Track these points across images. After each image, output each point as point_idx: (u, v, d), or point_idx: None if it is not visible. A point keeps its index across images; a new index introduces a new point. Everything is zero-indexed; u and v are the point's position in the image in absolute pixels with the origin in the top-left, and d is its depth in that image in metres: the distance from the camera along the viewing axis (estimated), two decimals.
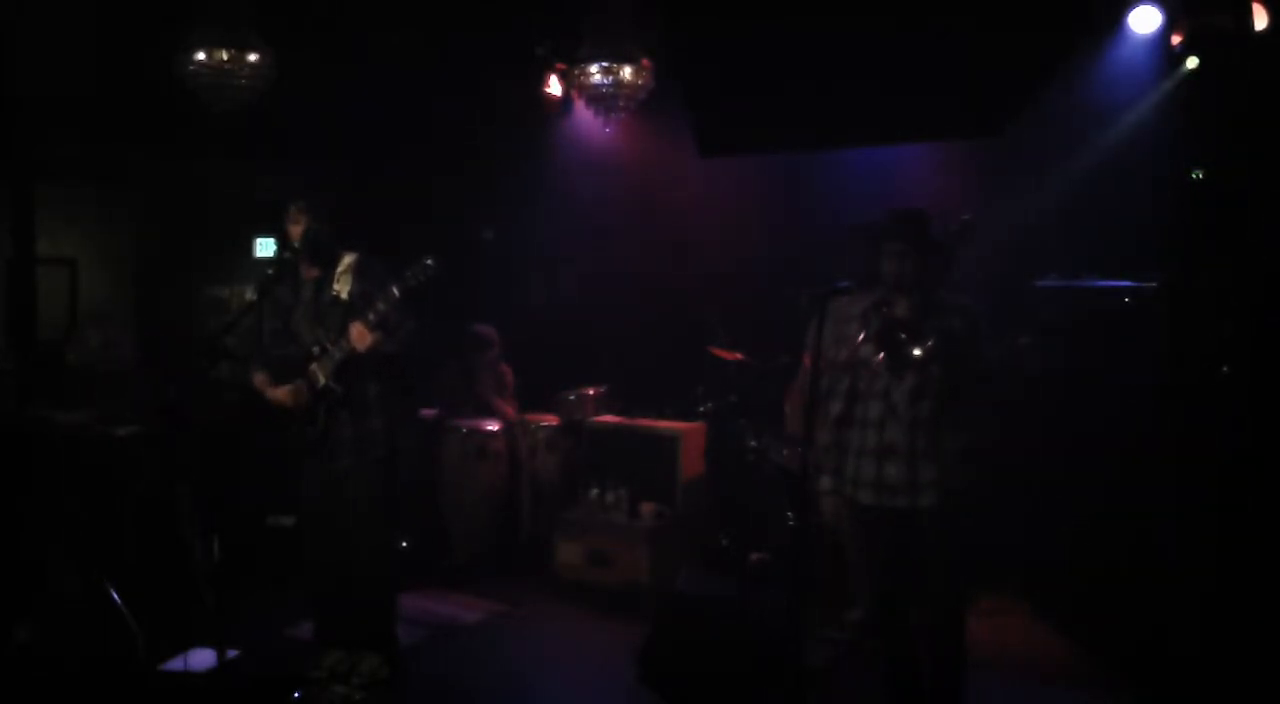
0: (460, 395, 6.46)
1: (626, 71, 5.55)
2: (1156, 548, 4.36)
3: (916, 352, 3.56)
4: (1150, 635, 3.80)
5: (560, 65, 6.39)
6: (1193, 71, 5.32)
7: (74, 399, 5.23)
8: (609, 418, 6.33)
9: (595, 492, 5.94)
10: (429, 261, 3.98)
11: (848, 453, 3.80)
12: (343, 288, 4.33)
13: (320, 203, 4.40)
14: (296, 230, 4.36)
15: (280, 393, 4.36)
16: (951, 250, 3.69)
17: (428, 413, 6.40)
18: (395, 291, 4.01)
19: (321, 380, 4.25)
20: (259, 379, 4.40)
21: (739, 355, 5.95)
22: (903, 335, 3.58)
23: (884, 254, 3.70)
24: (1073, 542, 5.24)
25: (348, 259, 4.40)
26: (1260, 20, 4.86)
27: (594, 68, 5.57)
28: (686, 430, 6.02)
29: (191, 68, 5.21)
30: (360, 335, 4.09)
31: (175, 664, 4.39)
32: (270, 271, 4.23)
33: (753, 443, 5.84)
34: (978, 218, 3.74)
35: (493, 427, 6.20)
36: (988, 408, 3.71)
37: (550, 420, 6.44)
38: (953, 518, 3.66)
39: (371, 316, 4.08)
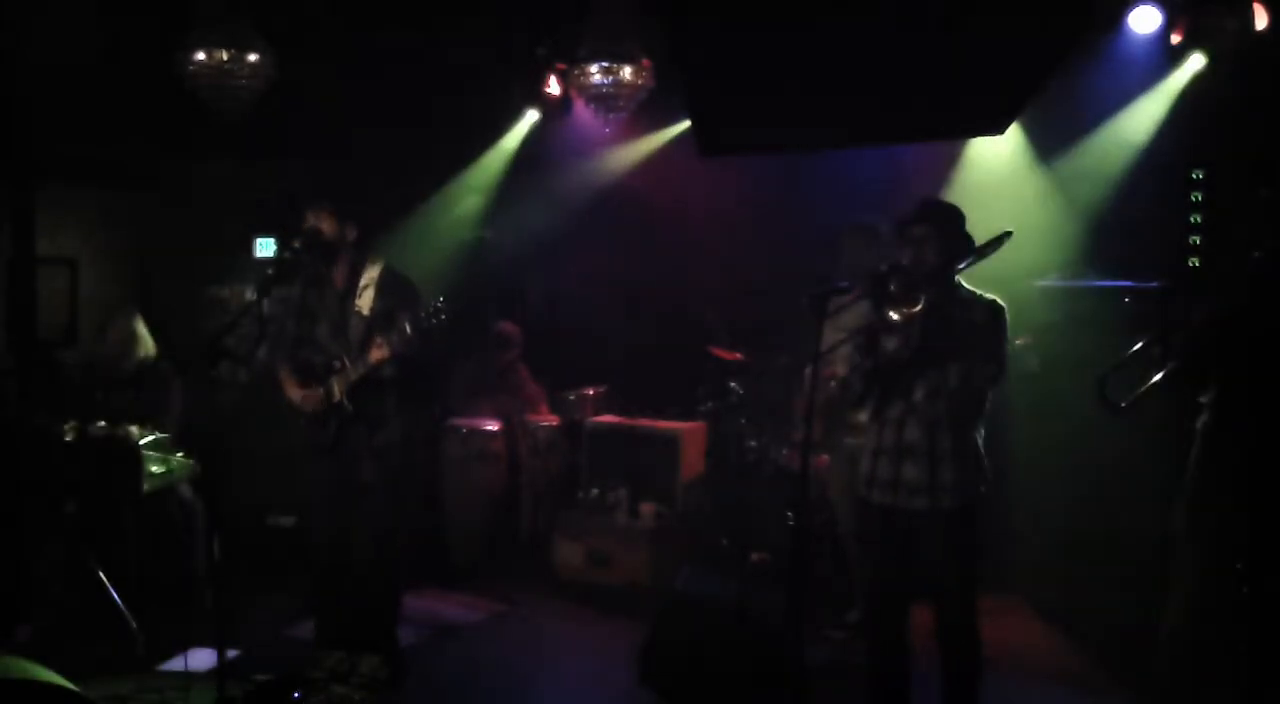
0: (473, 394, 6.46)
1: (626, 71, 5.55)
2: (1157, 548, 4.36)
3: (894, 316, 3.43)
4: (1149, 636, 3.81)
5: (560, 65, 6.39)
6: (1192, 71, 5.32)
7: (74, 399, 5.22)
8: (609, 418, 6.33)
9: (595, 492, 5.94)
10: (440, 301, 4.13)
11: (865, 451, 3.74)
12: (364, 303, 4.36)
13: (326, 203, 4.40)
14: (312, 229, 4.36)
15: (298, 395, 4.40)
16: (980, 254, 3.60)
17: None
18: (407, 328, 4.12)
19: (337, 394, 4.31)
20: (284, 374, 4.44)
21: (739, 355, 5.95)
22: (892, 287, 3.44)
23: (905, 240, 3.58)
24: (1073, 542, 5.24)
25: (372, 271, 4.41)
26: (1260, 20, 4.86)
27: (594, 68, 5.57)
28: (686, 430, 6.02)
29: (191, 68, 5.21)
30: (377, 358, 4.23)
31: (175, 664, 4.39)
32: (270, 271, 4.23)
33: (753, 443, 5.84)
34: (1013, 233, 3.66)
35: (492, 427, 6.20)
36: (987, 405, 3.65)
37: (550, 420, 6.44)
38: (972, 519, 3.59)
39: (386, 346, 4.20)
